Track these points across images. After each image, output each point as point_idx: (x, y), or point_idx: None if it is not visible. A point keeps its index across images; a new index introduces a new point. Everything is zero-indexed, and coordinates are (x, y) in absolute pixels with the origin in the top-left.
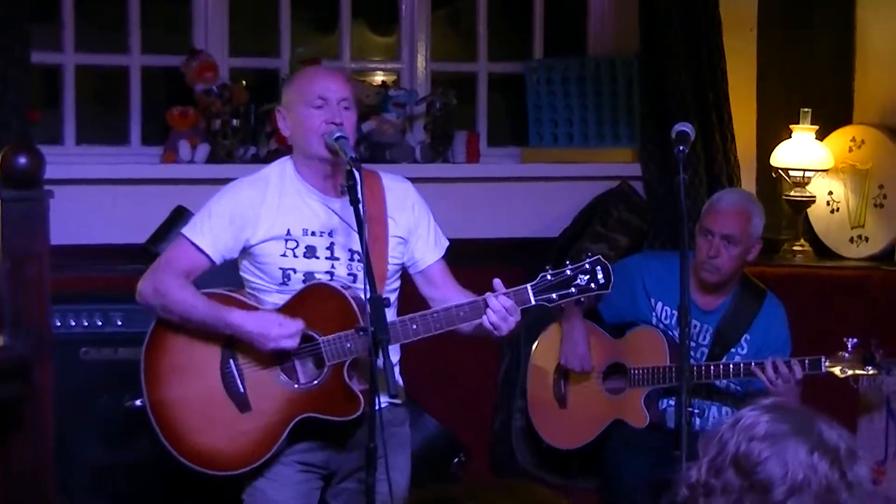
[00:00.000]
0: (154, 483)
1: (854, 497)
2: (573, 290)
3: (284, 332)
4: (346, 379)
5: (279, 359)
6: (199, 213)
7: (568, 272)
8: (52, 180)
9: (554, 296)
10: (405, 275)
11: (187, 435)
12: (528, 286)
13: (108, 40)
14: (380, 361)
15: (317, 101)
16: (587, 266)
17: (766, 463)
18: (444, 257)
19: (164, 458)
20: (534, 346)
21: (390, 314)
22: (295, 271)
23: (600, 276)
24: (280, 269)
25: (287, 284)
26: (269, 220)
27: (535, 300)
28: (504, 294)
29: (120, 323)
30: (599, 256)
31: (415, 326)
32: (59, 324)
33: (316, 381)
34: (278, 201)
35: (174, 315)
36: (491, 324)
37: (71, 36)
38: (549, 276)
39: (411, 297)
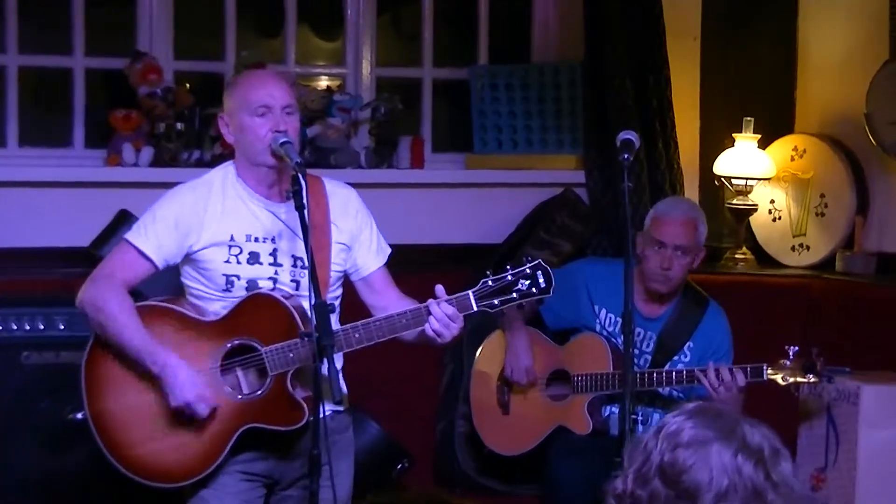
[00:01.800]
0: (93, 492)
1: (780, 496)
2: (514, 295)
3: (203, 397)
4: (290, 388)
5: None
6: (142, 218)
7: (509, 277)
8: None
9: (496, 301)
10: (347, 282)
11: (129, 446)
12: (470, 292)
13: (52, 41)
14: (324, 368)
15: (260, 110)
16: (528, 271)
17: (692, 470)
18: (385, 264)
19: (104, 467)
20: (477, 352)
21: (333, 320)
22: (238, 278)
23: (541, 280)
24: (223, 275)
25: (230, 291)
26: (212, 225)
27: (477, 306)
28: (446, 301)
29: (62, 327)
30: (540, 260)
31: (357, 335)
32: (0, 327)
33: (259, 392)
34: (221, 207)
35: (107, 336)
36: (433, 331)
37: (14, 37)
38: (490, 282)
39: (354, 304)
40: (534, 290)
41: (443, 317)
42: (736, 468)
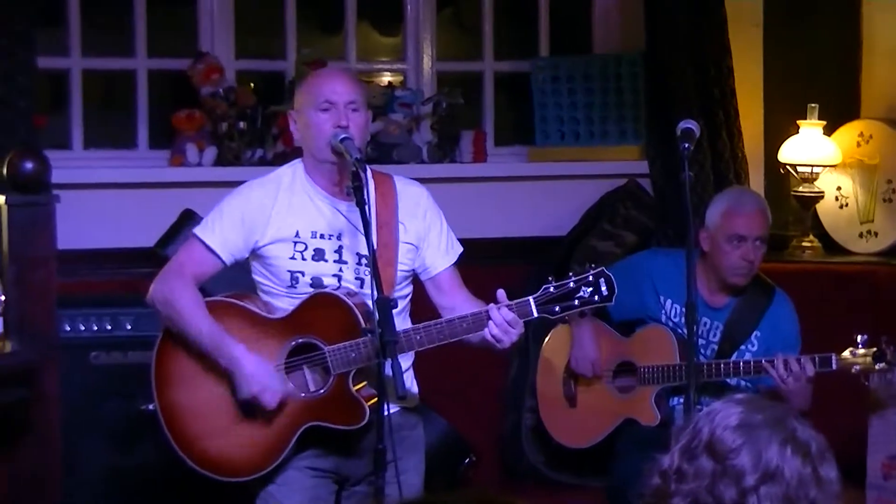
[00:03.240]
0: (161, 488)
1: (824, 494)
2: (576, 302)
3: (273, 383)
4: (351, 388)
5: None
6: (210, 214)
7: (571, 284)
8: (60, 185)
9: (556, 308)
10: (417, 281)
11: (197, 440)
12: (531, 298)
13: (114, 44)
14: (387, 364)
15: (323, 105)
16: (590, 278)
17: (740, 451)
18: (455, 264)
19: (171, 463)
20: (543, 346)
21: (400, 318)
22: (303, 274)
23: (604, 288)
24: (288, 271)
25: (295, 287)
26: (278, 221)
27: (538, 313)
28: (507, 306)
29: (129, 327)
30: (603, 268)
31: (418, 337)
32: (68, 328)
33: (322, 390)
34: (288, 203)
35: (177, 330)
36: (493, 336)
37: (77, 40)
38: (551, 289)
39: (424, 304)
40: (595, 297)
41: (502, 322)
42: (784, 456)
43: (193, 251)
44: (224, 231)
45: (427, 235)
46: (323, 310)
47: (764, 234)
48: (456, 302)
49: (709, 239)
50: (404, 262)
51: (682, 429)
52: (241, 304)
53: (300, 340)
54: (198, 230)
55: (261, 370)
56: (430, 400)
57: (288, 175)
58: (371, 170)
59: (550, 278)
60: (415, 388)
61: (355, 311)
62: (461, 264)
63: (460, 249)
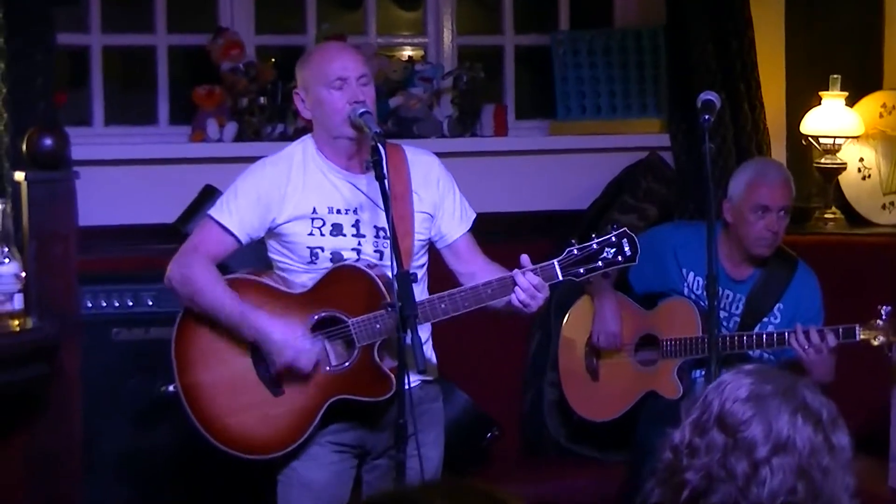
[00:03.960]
0: (184, 465)
1: (836, 461)
2: (600, 263)
3: (306, 345)
4: (377, 359)
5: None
6: (224, 194)
7: (594, 246)
8: (82, 161)
9: (581, 270)
10: (432, 249)
11: (220, 419)
12: (555, 261)
13: (134, 20)
14: (408, 338)
15: (336, 83)
16: (613, 239)
17: (751, 422)
18: (470, 230)
19: (194, 441)
20: (564, 320)
21: (419, 290)
22: (322, 250)
23: (626, 248)
24: (308, 248)
25: (315, 263)
26: (294, 199)
27: (562, 276)
28: (531, 270)
29: (151, 303)
30: (625, 228)
31: (443, 305)
32: (89, 305)
33: (347, 363)
34: (303, 180)
35: (199, 308)
36: (520, 301)
37: (97, 17)
38: (574, 251)
39: (440, 272)
40: (619, 258)
41: (529, 287)
42: (795, 425)
43: (209, 232)
44: (240, 211)
45: (442, 203)
46: (345, 283)
47: (788, 205)
48: (475, 268)
49: (732, 210)
50: (421, 231)
51: (693, 402)
52: (261, 280)
53: (323, 314)
54: (212, 211)
55: (290, 335)
56: (451, 375)
57: (299, 152)
58: None
59: (573, 241)
60: (433, 360)
61: (378, 283)
62: (481, 238)
63: (474, 215)
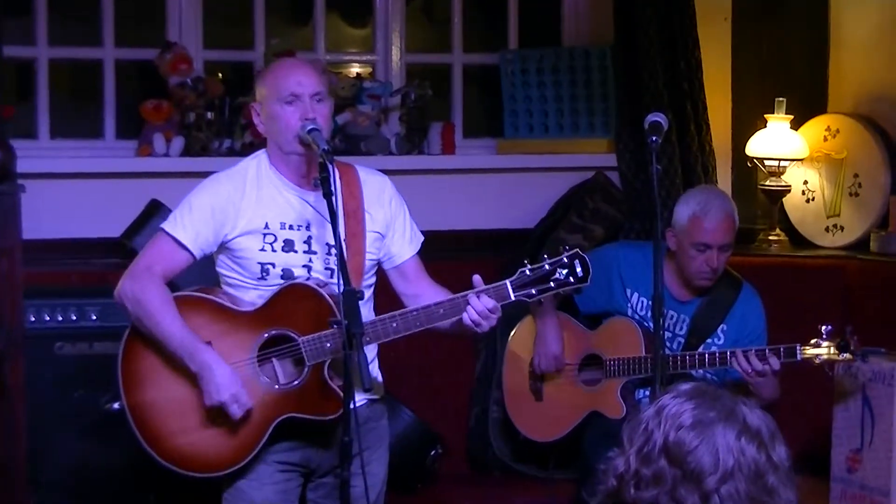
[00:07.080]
0: (131, 481)
1: (779, 477)
2: (552, 284)
3: (238, 398)
4: (327, 378)
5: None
6: (178, 208)
7: (546, 266)
8: (27, 174)
9: (533, 291)
10: (380, 271)
11: (167, 437)
12: (508, 282)
13: (82, 33)
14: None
15: (289, 98)
16: (565, 260)
17: (697, 451)
18: (418, 253)
19: (141, 457)
20: (509, 339)
21: (366, 309)
22: (273, 266)
23: (579, 269)
24: (258, 263)
25: (265, 279)
26: (248, 213)
27: (515, 296)
28: (484, 291)
29: (95, 318)
30: (577, 250)
31: (395, 324)
32: (33, 319)
33: (297, 382)
34: (256, 194)
35: (147, 331)
36: (472, 321)
37: (44, 29)
38: (527, 272)
39: (389, 292)
40: (571, 279)
41: (483, 309)
42: (740, 449)
43: (163, 247)
44: (195, 225)
45: (393, 224)
46: (296, 301)
47: (729, 242)
48: (421, 289)
49: (675, 239)
50: (371, 250)
51: (634, 427)
52: (210, 297)
53: (273, 332)
54: (166, 225)
55: (232, 381)
56: (397, 392)
57: (252, 167)
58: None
59: (526, 261)
60: (380, 379)
61: (329, 302)
62: (429, 256)
63: (422, 238)
